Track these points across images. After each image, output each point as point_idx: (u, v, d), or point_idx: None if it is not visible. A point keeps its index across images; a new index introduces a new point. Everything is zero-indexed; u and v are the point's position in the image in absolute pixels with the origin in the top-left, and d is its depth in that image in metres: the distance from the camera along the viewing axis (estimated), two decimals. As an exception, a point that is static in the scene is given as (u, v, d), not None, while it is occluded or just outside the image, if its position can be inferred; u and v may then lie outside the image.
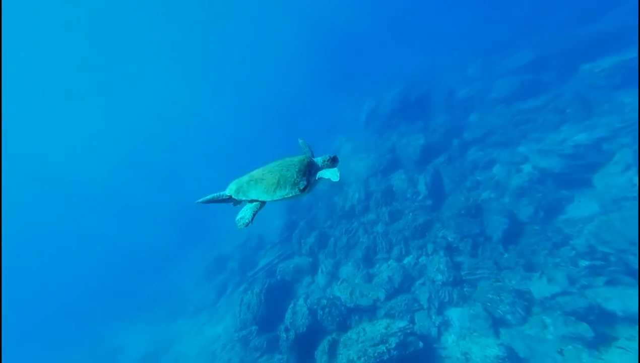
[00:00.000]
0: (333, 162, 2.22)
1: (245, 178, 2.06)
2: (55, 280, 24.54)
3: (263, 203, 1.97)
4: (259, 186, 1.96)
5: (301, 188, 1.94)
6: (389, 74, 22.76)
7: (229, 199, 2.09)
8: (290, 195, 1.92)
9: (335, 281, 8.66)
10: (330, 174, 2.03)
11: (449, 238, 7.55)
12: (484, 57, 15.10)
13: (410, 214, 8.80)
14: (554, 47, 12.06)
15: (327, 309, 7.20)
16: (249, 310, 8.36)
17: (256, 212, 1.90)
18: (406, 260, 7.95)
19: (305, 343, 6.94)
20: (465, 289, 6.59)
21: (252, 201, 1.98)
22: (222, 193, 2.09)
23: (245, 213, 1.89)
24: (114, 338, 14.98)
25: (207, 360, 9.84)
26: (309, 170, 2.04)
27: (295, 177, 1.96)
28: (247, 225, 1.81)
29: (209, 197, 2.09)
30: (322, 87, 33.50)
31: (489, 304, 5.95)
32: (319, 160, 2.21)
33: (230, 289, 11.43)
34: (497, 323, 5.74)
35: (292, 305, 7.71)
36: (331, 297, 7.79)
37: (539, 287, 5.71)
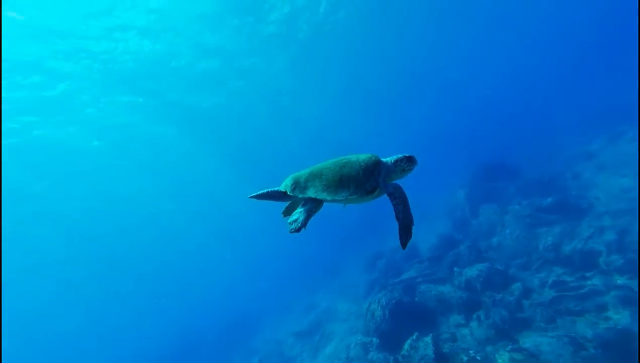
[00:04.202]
0: (409, 162, 1.83)
1: (305, 172, 1.81)
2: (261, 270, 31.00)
3: (320, 204, 1.71)
4: (317, 182, 1.69)
5: (368, 189, 1.64)
6: None
7: (284, 196, 1.83)
8: (355, 196, 1.63)
9: (504, 343, 5.94)
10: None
11: None
12: None
13: None
14: None
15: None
16: (373, 319, 7.57)
17: (311, 214, 1.63)
18: None
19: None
20: None
21: (307, 200, 1.71)
22: (276, 188, 1.87)
23: (299, 215, 1.61)
24: (313, 296, 17.91)
25: (343, 348, 10.18)
26: (378, 170, 1.71)
27: (361, 175, 1.65)
28: (299, 230, 1.53)
29: (263, 191, 1.89)
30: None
31: None
32: (389, 160, 1.82)
33: (375, 290, 10.99)
34: None
35: (414, 336, 6.16)
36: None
37: None
